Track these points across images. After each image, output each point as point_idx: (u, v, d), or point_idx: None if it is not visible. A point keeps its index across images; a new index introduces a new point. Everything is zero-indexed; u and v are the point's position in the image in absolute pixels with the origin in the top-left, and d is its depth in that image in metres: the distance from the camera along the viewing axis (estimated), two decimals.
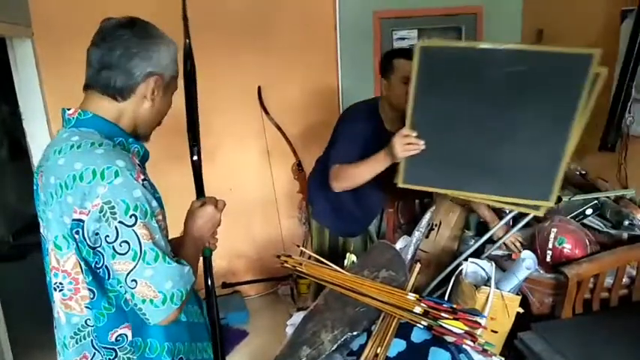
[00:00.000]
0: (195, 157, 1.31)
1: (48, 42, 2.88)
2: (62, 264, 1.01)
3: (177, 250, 1.08)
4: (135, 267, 0.95)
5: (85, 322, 1.04)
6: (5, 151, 5.41)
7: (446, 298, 1.81)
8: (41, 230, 1.09)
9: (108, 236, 0.95)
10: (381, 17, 3.25)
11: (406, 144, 1.61)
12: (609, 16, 2.58)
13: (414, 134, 1.61)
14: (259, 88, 3.28)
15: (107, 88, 1.05)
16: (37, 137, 2.93)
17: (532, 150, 1.55)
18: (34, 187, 1.13)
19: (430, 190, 1.80)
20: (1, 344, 2.33)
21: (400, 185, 1.76)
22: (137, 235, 0.95)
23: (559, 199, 2.03)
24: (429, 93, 1.53)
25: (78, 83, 1.11)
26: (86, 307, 1.03)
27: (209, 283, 1.24)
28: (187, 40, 1.19)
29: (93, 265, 1.00)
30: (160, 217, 1.02)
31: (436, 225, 2.55)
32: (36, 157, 2.94)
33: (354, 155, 1.90)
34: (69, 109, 1.07)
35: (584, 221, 2.16)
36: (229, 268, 3.45)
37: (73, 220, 0.96)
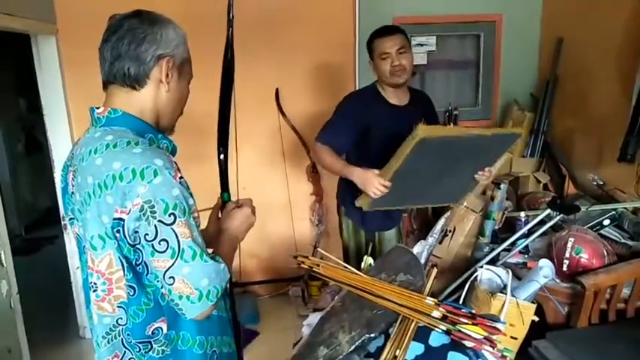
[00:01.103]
0: (222, 157, 1.35)
1: (72, 39, 2.91)
2: (97, 264, 1.03)
3: (209, 245, 1.10)
4: (173, 264, 0.96)
5: (117, 321, 1.05)
6: (21, 146, 5.46)
7: (460, 303, 1.81)
8: (77, 230, 1.10)
9: (147, 234, 0.96)
10: (400, 23, 3.25)
11: (380, 190, 1.97)
12: (631, 27, 2.57)
13: (389, 184, 1.97)
14: (277, 90, 3.30)
15: (124, 78, 1.05)
16: (58, 134, 2.96)
17: (460, 181, 2.18)
18: (62, 185, 1.14)
19: (385, 209, 2.22)
20: (18, 335, 2.36)
21: (365, 209, 2.14)
22: (175, 234, 0.96)
23: (577, 209, 2.03)
24: (412, 161, 1.88)
25: (100, 80, 1.11)
26: (118, 306, 1.04)
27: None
28: (230, 30, 1.21)
29: (133, 262, 1.01)
30: (196, 214, 1.04)
31: (450, 231, 2.55)
32: (56, 154, 2.96)
33: (340, 141, 2.21)
34: (98, 108, 1.06)
35: (602, 232, 2.15)
36: (241, 267, 3.47)
37: (114, 219, 0.97)
